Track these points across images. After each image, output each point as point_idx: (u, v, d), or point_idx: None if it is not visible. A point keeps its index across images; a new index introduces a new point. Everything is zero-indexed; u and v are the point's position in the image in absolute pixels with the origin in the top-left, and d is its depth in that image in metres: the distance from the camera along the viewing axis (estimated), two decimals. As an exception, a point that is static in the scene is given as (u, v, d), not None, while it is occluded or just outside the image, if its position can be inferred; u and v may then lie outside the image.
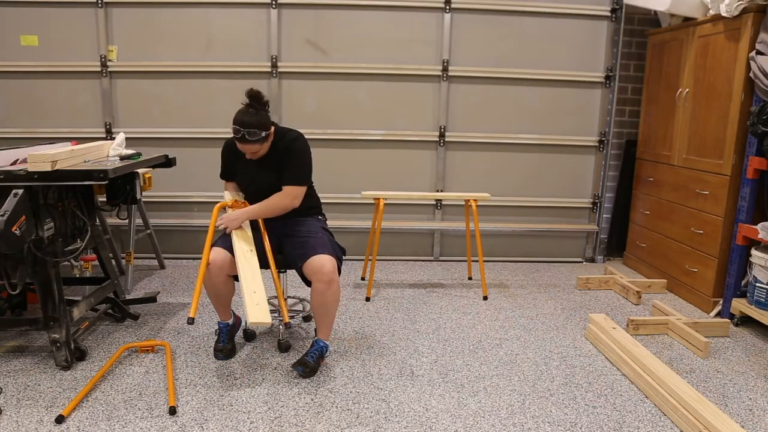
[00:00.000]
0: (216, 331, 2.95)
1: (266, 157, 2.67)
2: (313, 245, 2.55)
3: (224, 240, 2.64)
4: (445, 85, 4.31)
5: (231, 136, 4.29)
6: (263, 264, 2.62)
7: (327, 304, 2.52)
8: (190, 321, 2.35)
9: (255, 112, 2.49)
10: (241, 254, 2.51)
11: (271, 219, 2.73)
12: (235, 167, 2.77)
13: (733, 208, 3.32)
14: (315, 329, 3.05)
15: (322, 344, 2.62)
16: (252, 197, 2.74)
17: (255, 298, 2.38)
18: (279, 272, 2.89)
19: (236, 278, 2.68)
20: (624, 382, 2.57)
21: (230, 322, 2.80)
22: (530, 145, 4.47)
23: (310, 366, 2.54)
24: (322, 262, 2.46)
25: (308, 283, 2.59)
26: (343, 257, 2.74)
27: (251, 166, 2.69)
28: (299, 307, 3.41)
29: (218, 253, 2.56)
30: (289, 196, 2.62)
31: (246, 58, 4.22)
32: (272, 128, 2.57)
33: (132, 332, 3.00)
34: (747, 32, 3.14)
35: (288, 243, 2.68)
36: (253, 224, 2.73)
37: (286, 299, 3.02)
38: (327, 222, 2.89)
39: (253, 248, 2.56)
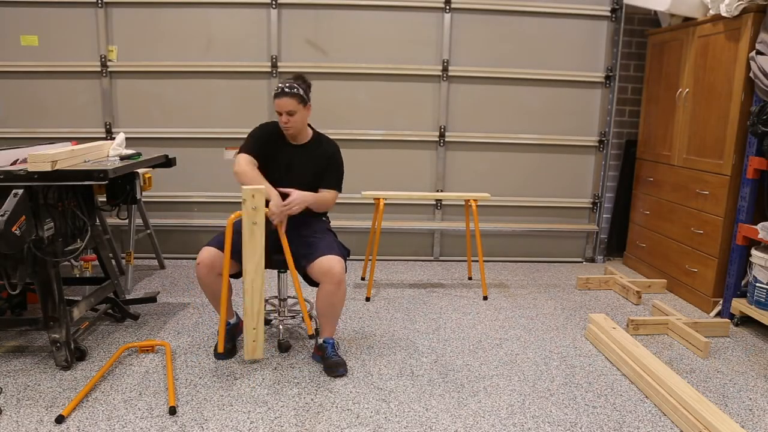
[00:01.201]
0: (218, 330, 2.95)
1: (307, 153, 2.69)
2: (320, 246, 2.56)
3: (217, 239, 2.61)
4: (445, 85, 4.31)
5: (230, 136, 4.32)
6: (272, 264, 2.63)
7: (335, 304, 2.55)
8: (219, 356, 2.53)
9: (297, 82, 2.60)
10: (248, 280, 2.47)
11: (300, 162, 2.72)
12: (270, 150, 2.69)
13: (733, 208, 3.32)
14: (316, 329, 3.05)
15: (332, 341, 2.65)
16: (284, 186, 2.65)
17: (253, 335, 2.52)
18: (280, 272, 2.89)
19: (234, 276, 2.67)
20: (624, 382, 2.57)
21: (232, 321, 2.80)
22: (530, 145, 4.47)
23: (340, 362, 2.59)
24: (331, 264, 2.48)
25: (312, 283, 2.59)
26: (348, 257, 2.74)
27: (288, 156, 2.68)
28: (299, 307, 3.41)
29: (208, 253, 2.55)
30: (332, 199, 2.73)
31: (246, 58, 4.22)
32: (310, 104, 2.63)
33: (132, 332, 3.00)
34: (747, 32, 3.14)
35: (293, 243, 2.67)
36: (292, 151, 2.71)
37: (309, 309, 3.03)
38: (330, 223, 2.89)
39: (262, 263, 2.49)
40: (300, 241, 2.65)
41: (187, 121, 4.31)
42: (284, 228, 2.55)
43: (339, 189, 2.75)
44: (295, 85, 2.56)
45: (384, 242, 4.54)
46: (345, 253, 2.66)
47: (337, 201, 4.40)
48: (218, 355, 2.70)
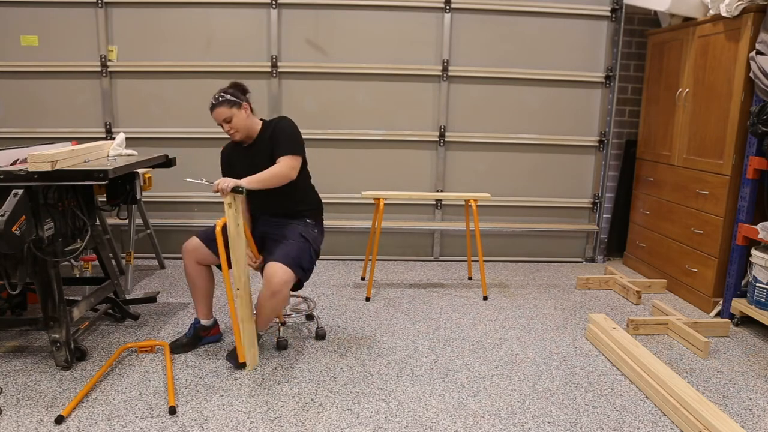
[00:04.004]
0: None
1: (259, 146, 2.67)
2: (277, 250, 2.53)
3: (204, 232, 2.69)
4: (445, 85, 4.31)
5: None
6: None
7: (267, 308, 2.53)
8: (241, 366, 2.59)
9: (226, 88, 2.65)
10: (242, 285, 2.49)
11: (260, 217, 2.75)
12: (234, 166, 2.75)
13: (733, 208, 3.32)
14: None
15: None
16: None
17: (252, 340, 2.59)
18: None
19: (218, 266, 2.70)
20: (624, 382, 2.57)
21: (205, 323, 2.78)
22: (530, 145, 4.47)
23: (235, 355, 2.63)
24: (273, 271, 2.44)
25: None
26: (312, 269, 2.67)
27: (247, 159, 2.70)
28: (303, 305, 3.41)
29: (191, 241, 2.67)
30: (285, 166, 2.53)
31: (246, 58, 4.22)
32: (245, 103, 2.62)
33: (132, 332, 3.00)
34: (747, 32, 3.14)
35: (267, 243, 2.70)
36: (249, 151, 2.73)
37: (311, 308, 3.00)
38: (321, 226, 2.80)
39: (248, 275, 2.53)
40: (270, 242, 2.67)
41: (187, 121, 4.31)
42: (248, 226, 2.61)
43: (293, 152, 2.57)
44: (222, 93, 2.59)
45: (384, 242, 4.54)
46: (307, 265, 2.58)
47: (337, 201, 4.43)
48: (171, 344, 2.74)
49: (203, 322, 2.79)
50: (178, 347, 2.73)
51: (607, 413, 2.31)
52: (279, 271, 2.43)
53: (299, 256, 2.54)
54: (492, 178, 4.50)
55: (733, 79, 3.27)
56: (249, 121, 2.64)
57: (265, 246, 2.71)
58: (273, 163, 2.60)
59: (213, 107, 2.59)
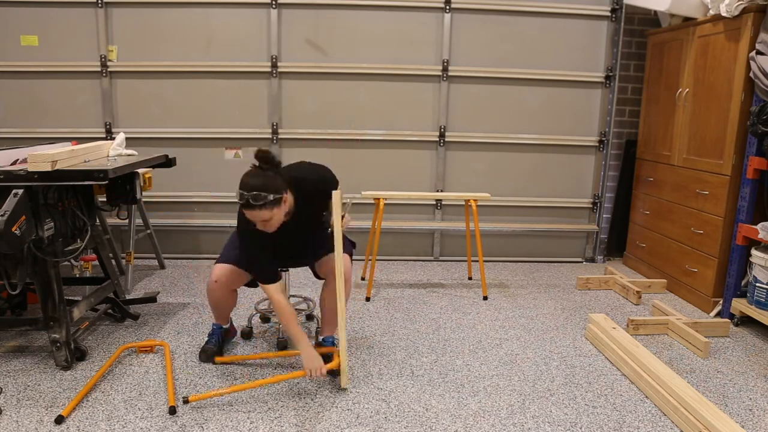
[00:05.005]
0: (209, 333, 2.80)
1: (302, 211, 2.39)
2: (328, 244, 2.56)
3: (227, 255, 2.57)
4: (445, 85, 4.31)
5: (230, 136, 4.32)
6: (299, 263, 2.71)
7: (342, 299, 2.52)
8: (204, 359, 2.64)
9: (260, 172, 2.17)
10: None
11: (303, 226, 2.51)
12: (281, 241, 2.44)
13: (733, 208, 3.32)
14: (317, 330, 3.06)
15: (331, 340, 2.69)
16: (296, 259, 2.65)
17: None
18: (282, 271, 2.89)
19: (248, 285, 2.66)
20: (624, 382, 2.57)
21: (225, 326, 2.78)
22: (530, 145, 4.47)
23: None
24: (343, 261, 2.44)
25: (320, 277, 2.65)
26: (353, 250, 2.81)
27: (290, 229, 2.42)
28: (303, 305, 3.41)
29: (223, 270, 2.51)
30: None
31: (246, 58, 4.22)
32: (285, 193, 2.22)
33: (132, 332, 3.00)
34: (747, 32, 3.14)
35: (303, 240, 2.66)
36: (290, 228, 2.48)
37: (313, 308, 3.00)
38: None
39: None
40: (308, 237, 2.63)
41: (187, 121, 4.31)
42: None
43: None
44: (261, 192, 2.11)
45: (384, 242, 4.53)
46: (350, 249, 2.71)
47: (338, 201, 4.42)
48: (201, 357, 2.67)
49: (225, 326, 2.78)
50: (210, 356, 2.65)
51: (607, 413, 2.31)
52: (346, 260, 2.52)
53: (347, 243, 2.68)
54: (492, 178, 4.50)
55: (733, 79, 3.27)
56: (288, 207, 2.30)
57: (305, 253, 2.66)
58: (316, 222, 2.49)
59: (247, 207, 2.14)
